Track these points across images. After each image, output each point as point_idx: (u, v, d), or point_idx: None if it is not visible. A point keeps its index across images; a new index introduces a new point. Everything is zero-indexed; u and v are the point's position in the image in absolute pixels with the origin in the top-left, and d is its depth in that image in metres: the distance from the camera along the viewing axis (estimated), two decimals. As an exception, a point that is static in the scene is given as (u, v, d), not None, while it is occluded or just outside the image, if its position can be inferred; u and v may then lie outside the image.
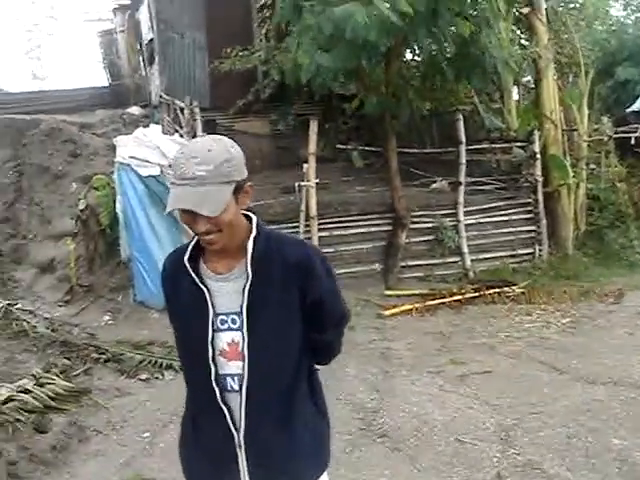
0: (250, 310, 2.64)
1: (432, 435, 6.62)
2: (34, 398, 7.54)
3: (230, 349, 2.70)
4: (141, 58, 19.40)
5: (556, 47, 16.21)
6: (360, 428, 6.89)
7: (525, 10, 15.28)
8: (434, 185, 14.20)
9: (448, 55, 12.04)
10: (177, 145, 12.32)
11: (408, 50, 14.04)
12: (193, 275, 2.69)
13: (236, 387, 2.71)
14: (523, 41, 16.55)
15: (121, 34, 20.38)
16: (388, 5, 10.13)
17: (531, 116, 15.82)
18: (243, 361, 2.67)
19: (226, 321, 2.69)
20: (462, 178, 13.84)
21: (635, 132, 16.93)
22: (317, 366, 2.99)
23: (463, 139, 13.91)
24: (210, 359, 2.68)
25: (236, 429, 2.73)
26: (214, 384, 2.69)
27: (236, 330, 2.68)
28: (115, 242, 12.32)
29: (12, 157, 15.68)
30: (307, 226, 12.60)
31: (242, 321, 2.66)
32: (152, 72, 17.97)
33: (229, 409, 2.71)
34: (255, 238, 2.66)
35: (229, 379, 2.72)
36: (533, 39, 15.49)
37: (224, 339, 2.70)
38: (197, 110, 13.26)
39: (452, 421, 6.93)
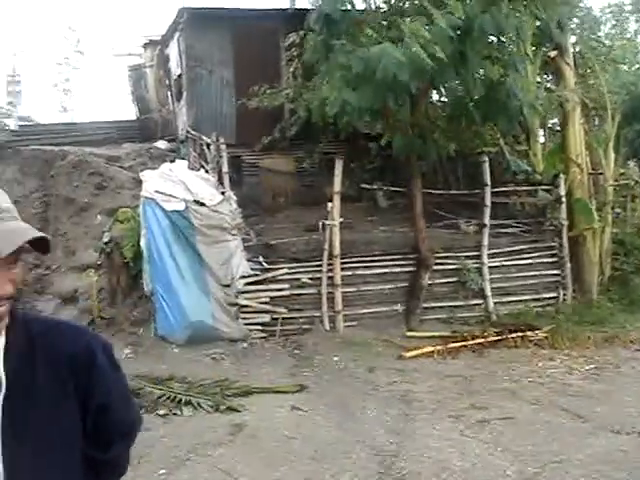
0: (7, 432, 1.83)
1: (452, 482, 6.52)
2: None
3: None
4: (169, 93, 19.58)
5: (583, 90, 16.18)
6: (379, 472, 6.79)
7: (552, 53, 15.29)
8: (462, 226, 14.11)
9: (475, 97, 12.04)
10: (202, 181, 12.42)
11: (434, 91, 14.07)
12: None
13: None
14: (550, 84, 16.53)
15: (150, 69, 20.59)
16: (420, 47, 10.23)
17: (557, 159, 15.76)
18: None
19: None
20: (487, 220, 13.79)
21: (662, 176, 16.85)
22: None
23: (488, 181, 13.89)
24: None
25: None
26: None
27: None
28: (138, 275, 12.37)
29: (39, 188, 15.84)
30: (330, 264, 12.59)
31: None
32: (180, 107, 18.14)
33: None
34: (9, 327, 1.88)
35: None
36: (560, 82, 15.48)
37: None
38: (223, 147, 13.33)
39: (472, 468, 6.82)
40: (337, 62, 11.32)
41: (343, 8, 12.19)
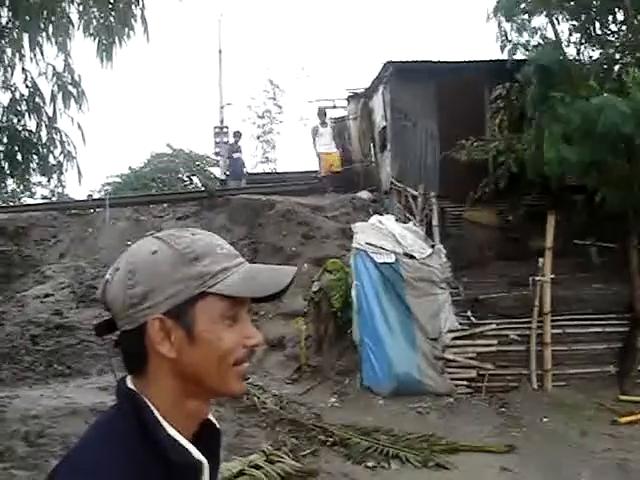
0: None
1: None
2: (265, 475, 7.71)
3: None
4: (372, 144, 19.88)
5: None
6: None
7: None
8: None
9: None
10: (412, 233, 12.46)
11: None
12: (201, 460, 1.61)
13: None
14: None
15: (353, 121, 21.03)
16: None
17: None
18: None
19: None
20: None
21: None
22: None
23: None
24: None
25: None
26: None
27: None
28: (345, 325, 12.51)
29: (247, 235, 16.49)
30: (539, 322, 12.21)
31: None
32: (383, 158, 18.37)
33: None
34: None
35: None
36: None
37: None
38: (433, 199, 13.36)
39: None
40: (554, 114, 11.10)
41: (559, 59, 12.00)
